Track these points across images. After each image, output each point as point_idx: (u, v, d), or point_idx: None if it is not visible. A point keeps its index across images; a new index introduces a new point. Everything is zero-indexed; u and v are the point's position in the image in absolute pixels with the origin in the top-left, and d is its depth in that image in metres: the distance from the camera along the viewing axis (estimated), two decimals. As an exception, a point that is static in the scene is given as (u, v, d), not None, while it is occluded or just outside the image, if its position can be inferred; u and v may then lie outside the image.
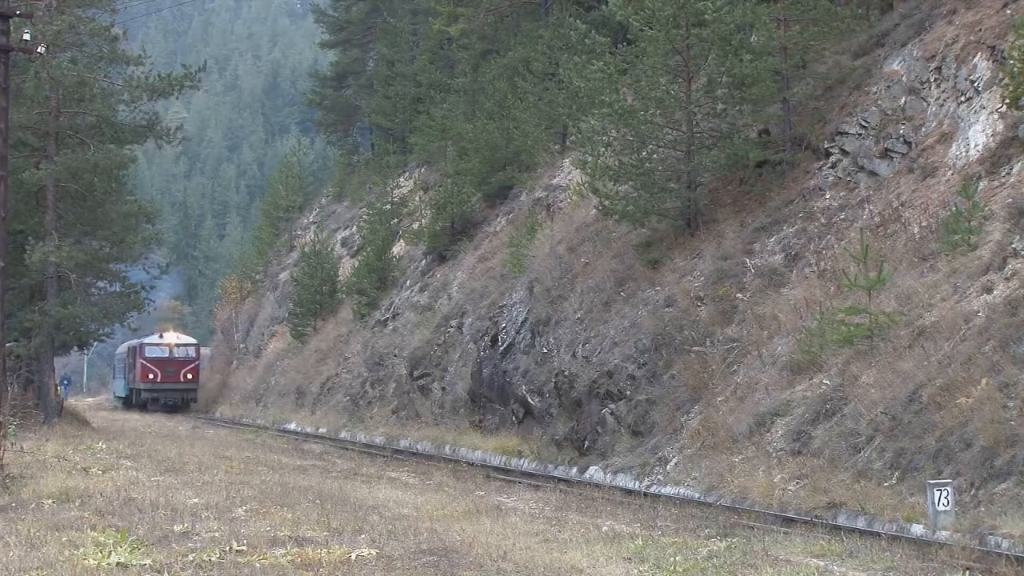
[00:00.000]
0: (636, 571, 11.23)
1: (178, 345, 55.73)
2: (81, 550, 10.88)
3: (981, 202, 18.51)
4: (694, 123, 24.61)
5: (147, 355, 54.81)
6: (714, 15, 23.48)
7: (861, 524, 14.52)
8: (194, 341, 58.76)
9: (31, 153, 32.64)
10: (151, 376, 54.45)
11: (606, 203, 25.56)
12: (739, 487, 17.30)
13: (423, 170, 50.27)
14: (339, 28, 68.10)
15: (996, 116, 19.94)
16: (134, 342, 57.09)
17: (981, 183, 19.13)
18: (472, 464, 24.63)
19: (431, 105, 45.90)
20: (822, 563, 11.70)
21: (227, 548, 11.18)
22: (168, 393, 54.47)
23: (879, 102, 22.91)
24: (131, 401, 56.76)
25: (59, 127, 32.52)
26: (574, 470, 22.67)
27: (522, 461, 24.99)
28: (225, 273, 77.45)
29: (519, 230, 33.31)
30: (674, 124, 24.82)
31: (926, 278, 18.48)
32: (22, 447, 19.70)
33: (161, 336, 56.11)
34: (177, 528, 12.40)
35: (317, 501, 15.31)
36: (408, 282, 42.43)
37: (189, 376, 55.48)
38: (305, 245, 55.67)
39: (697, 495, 18.02)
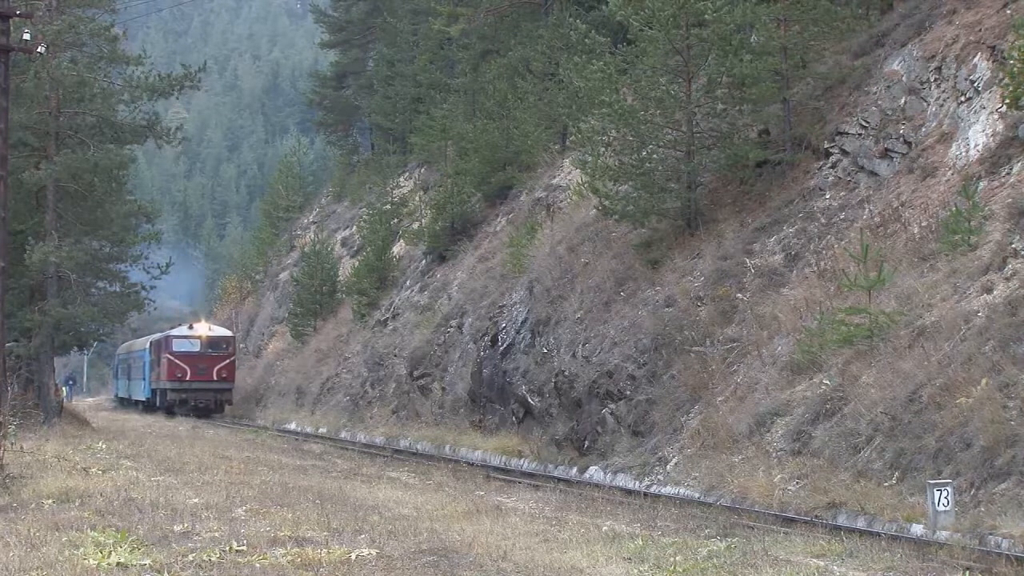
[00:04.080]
0: (636, 571, 11.22)
1: (211, 337, 48.90)
2: (81, 550, 10.87)
3: (981, 202, 18.51)
4: (694, 123, 24.61)
5: (175, 349, 47.91)
6: (714, 15, 23.48)
7: (861, 524, 14.52)
8: (229, 333, 52.07)
9: (31, 153, 32.63)
10: (179, 374, 47.48)
11: (606, 203, 25.57)
12: (739, 487, 17.30)
13: (423, 170, 50.32)
14: (339, 28, 68.25)
15: (996, 116, 19.94)
16: (158, 335, 51.23)
17: (981, 183, 19.13)
18: (472, 464, 24.63)
19: (431, 105, 45.96)
20: (822, 563, 11.69)
21: (227, 548, 11.18)
22: (199, 394, 47.56)
23: (879, 102, 22.91)
24: (154, 403, 50.21)
25: (59, 127, 32.52)
26: (574, 470, 22.67)
27: (522, 461, 24.99)
28: (225, 273, 77.52)
29: (519, 230, 33.31)
30: (674, 124, 24.82)
31: (926, 278, 18.47)
32: (22, 447, 19.66)
33: (191, 327, 49.52)
34: (177, 528, 12.39)
35: (317, 501, 15.30)
36: (408, 282, 42.44)
37: (224, 374, 48.37)
38: (305, 245, 55.70)
39: (697, 495, 18.02)
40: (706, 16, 23.67)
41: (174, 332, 49.52)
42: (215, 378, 47.99)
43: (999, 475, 13.95)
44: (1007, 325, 15.68)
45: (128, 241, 35.16)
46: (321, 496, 16.00)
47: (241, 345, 61.19)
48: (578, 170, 29.51)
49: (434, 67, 50.27)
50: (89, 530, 12.04)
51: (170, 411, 46.94)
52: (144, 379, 52.67)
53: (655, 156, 25.15)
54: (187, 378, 47.43)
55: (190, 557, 10.70)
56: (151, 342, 51.59)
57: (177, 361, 47.63)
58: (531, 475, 22.91)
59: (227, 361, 48.73)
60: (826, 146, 23.55)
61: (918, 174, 21.00)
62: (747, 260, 22.76)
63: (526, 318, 28.32)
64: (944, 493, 13.58)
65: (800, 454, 17.30)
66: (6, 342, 25.94)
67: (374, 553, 11.17)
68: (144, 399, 52.45)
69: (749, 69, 23.44)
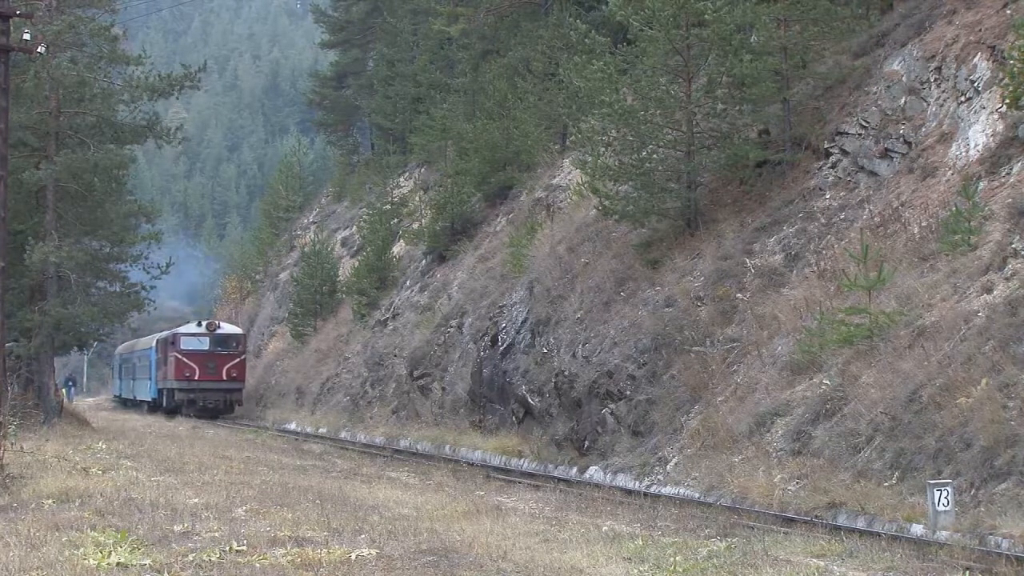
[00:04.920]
0: (636, 571, 11.22)
1: (221, 335, 47.09)
2: (81, 550, 10.87)
3: (981, 202, 18.51)
4: (694, 123, 24.61)
5: (183, 347, 45.97)
6: (714, 15, 23.48)
7: (861, 524, 14.52)
8: (239, 330, 50.24)
9: (31, 153, 32.61)
10: (187, 373, 45.60)
11: (606, 203, 25.57)
12: (739, 487, 17.30)
13: (423, 170, 50.33)
14: (339, 28, 68.29)
15: (996, 116, 19.94)
16: (165, 333, 49.43)
17: (981, 183, 19.13)
18: (472, 464, 24.63)
19: (431, 105, 45.97)
20: (822, 563, 11.69)
21: (227, 548, 11.18)
22: (208, 394, 45.58)
23: (879, 102, 22.91)
24: (161, 403, 48.11)
25: (59, 127, 32.50)
26: (574, 470, 22.67)
27: (522, 461, 24.99)
28: (225, 273, 77.53)
29: (519, 230, 33.32)
30: (674, 124, 24.83)
31: (926, 278, 18.48)
32: (22, 447, 19.68)
33: (200, 324, 48.06)
34: (177, 528, 12.39)
35: (317, 501, 15.30)
36: (408, 282, 42.45)
37: (234, 373, 46.50)
38: (305, 245, 55.69)
39: (697, 495, 18.01)
40: (706, 16, 23.67)
41: (182, 329, 47.85)
42: (225, 377, 46.10)
43: (999, 475, 13.95)
44: (1007, 325, 15.68)
45: (128, 241, 35.14)
46: (321, 496, 16.00)
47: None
48: (578, 170, 29.51)
49: (434, 67, 50.28)
50: (89, 530, 12.03)
51: (178, 411, 45.09)
52: (150, 378, 50.95)
53: (655, 156, 25.15)
54: (196, 377, 45.59)
55: (190, 557, 10.70)
56: (158, 340, 49.90)
57: (185, 360, 45.74)
58: (531, 475, 22.91)
59: (237, 360, 46.84)
60: (826, 146, 23.55)
61: (918, 174, 21.00)
62: (747, 260, 22.76)
63: (526, 318, 28.32)
64: (944, 493, 13.58)
65: (800, 454, 17.30)
66: (6, 342, 25.93)
67: (374, 553, 11.17)
68: (150, 399, 50.91)
69: (749, 69, 23.44)
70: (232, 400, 46.57)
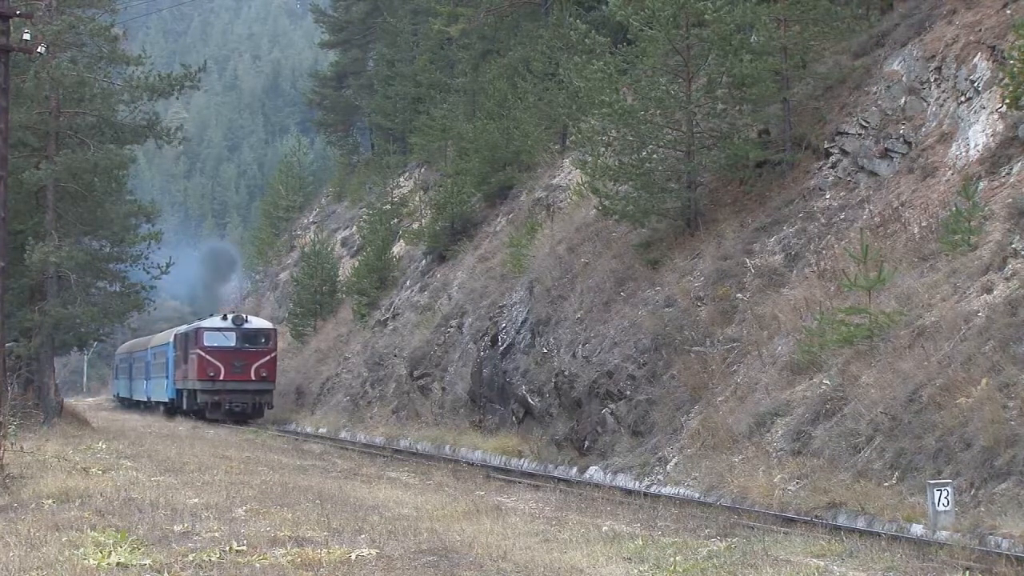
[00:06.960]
0: (636, 571, 11.22)
1: (249, 330, 42.72)
2: (81, 550, 10.87)
3: (981, 202, 18.51)
4: (694, 123, 24.62)
5: (206, 343, 41.61)
6: (714, 15, 23.49)
7: (861, 524, 14.52)
8: (269, 325, 45.36)
9: (31, 153, 32.60)
10: (211, 373, 41.30)
11: (606, 203, 25.58)
12: (739, 487, 17.30)
13: (423, 170, 50.36)
14: (339, 28, 68.37)
15: (996, 116, 19.94)
16: (185, 328, 45.70)
17: (981, 183, 19.13)
18: (472, 464, 24.62)
19: (431, 105, 46.01)
20: (822, 563, 11.68)
21: (227, 548, 11.17)
22: (234, 395, 41.16)
23: (879, 102, 22.92)
24: (180, 405, 44.26)
25: (59, 127, 32.50)
26: (574, 470, 22.67)
27: (522, 461, 24.99)
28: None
29: (519, 230, 33.34)
30: (674, 124, 24.83)
31: (926, 278, 18.48)
32: (22, 447, 19.67)
33: (225, 317, 43.14)
34: (177, 528, 12.38)
35: (317, 501, 15.29)
36: (408, 282, 42.45)
37: (263, 372, 42.02)
38: (305, 245, 55.71)
39: (697, 495, 18.02)
40: (706, 16, 23.68)
41: (205, 323, 43.43)
42: (253, 377, 41.67)
43: (999, 475, 13.96)
44: (1007, 325, 15.68)
45: (128, 241, 35.14)
46: (321, 496, 15.99)
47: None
48: (578, 170, 29.53)
49: (434, 67, 50.31)
50: (89, 530, 12.03)
51: (201, 415, 41.48)
52: (167, 377, 47.00)
53: (655, 156, 25.16)
54: (220, 377, 41.27)
55: (190, 557, 10.70)
56: (176, 335, 46.00)
57: (209, 358, 41.41)
58: (531, 475, 22.91)
59: (267, 358, 42.34)
60: (826, 146, 23.55)
61: (918, 174, 21.00)
62: (747, 260, 22.77)
63: (526, 318, 28.33)
64: (944, 493, 13.58)
65: (800, 454, 17.30)
66: (6, 342, 25.92)
67: (374, 553, 11.16)
68: (167, 400, 46.91)
69: (749, 69, 23.45)
70: (261, 402, 42.15)
